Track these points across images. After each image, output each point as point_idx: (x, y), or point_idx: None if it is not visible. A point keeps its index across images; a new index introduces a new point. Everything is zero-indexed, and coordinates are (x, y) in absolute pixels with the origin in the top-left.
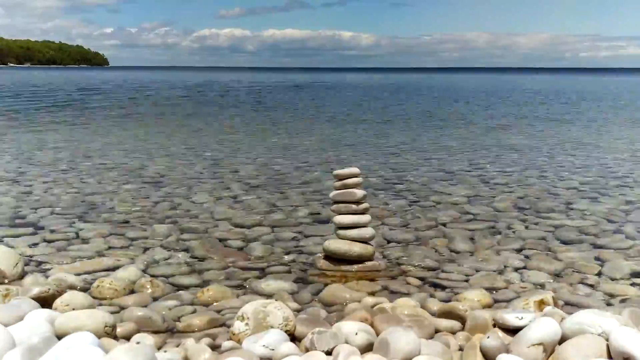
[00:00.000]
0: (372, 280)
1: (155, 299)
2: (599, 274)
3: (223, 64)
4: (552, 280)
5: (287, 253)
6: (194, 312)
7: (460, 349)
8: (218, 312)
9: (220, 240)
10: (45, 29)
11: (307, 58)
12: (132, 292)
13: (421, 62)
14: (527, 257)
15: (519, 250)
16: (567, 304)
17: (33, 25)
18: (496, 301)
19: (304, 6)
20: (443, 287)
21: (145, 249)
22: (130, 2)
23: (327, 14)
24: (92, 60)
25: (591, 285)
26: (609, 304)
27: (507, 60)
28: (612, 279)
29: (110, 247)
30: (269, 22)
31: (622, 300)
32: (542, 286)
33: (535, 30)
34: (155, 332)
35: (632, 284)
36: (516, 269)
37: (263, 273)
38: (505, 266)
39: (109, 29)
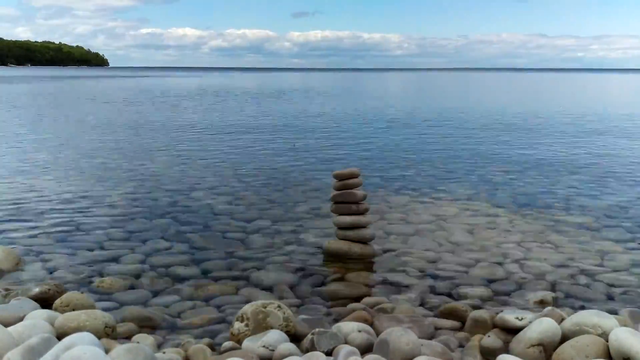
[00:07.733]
0: (372, 272)
1: (154, 294)
2: (600, 266)
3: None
4: (552, 272)
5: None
6: (194, 307)
7: (461, 348)
8: (218, 307)
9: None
10: (89, 30)
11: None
12: (131, 287)
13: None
14: (527, 249)
15: (519, 243)
16: (567, 295)
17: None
18: (496, 293)
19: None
20: (443, 278)
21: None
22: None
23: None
24: (92, 61)
25: (591, 276)
26: (609, 295)
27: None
28: (612, 270)
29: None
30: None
31: (623, 293)
32: (542, 277)
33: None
34: (155, 328)
35: (631, 275)
36: (516, 260)
37: (263, 264)
38: (505, 257)
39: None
